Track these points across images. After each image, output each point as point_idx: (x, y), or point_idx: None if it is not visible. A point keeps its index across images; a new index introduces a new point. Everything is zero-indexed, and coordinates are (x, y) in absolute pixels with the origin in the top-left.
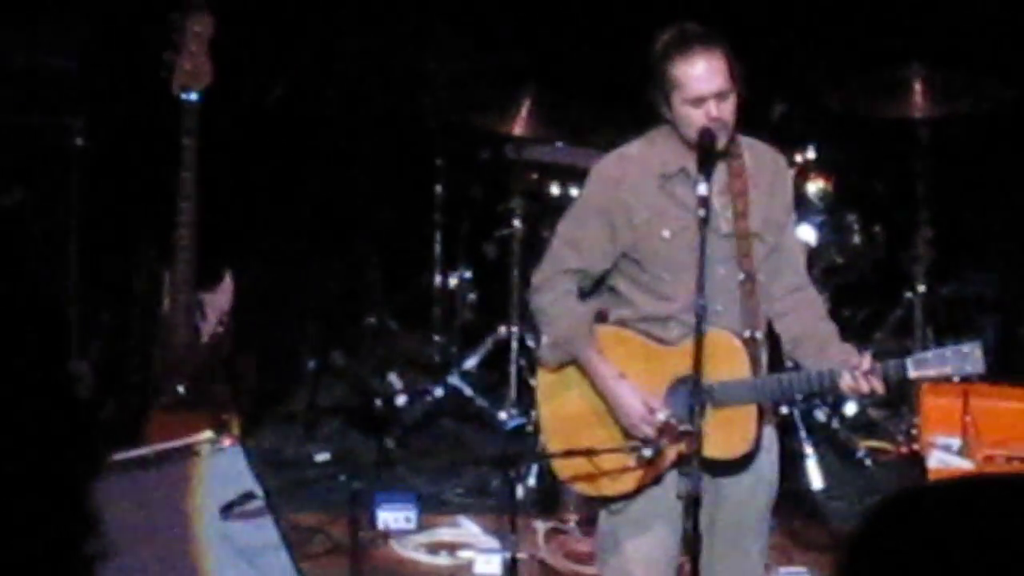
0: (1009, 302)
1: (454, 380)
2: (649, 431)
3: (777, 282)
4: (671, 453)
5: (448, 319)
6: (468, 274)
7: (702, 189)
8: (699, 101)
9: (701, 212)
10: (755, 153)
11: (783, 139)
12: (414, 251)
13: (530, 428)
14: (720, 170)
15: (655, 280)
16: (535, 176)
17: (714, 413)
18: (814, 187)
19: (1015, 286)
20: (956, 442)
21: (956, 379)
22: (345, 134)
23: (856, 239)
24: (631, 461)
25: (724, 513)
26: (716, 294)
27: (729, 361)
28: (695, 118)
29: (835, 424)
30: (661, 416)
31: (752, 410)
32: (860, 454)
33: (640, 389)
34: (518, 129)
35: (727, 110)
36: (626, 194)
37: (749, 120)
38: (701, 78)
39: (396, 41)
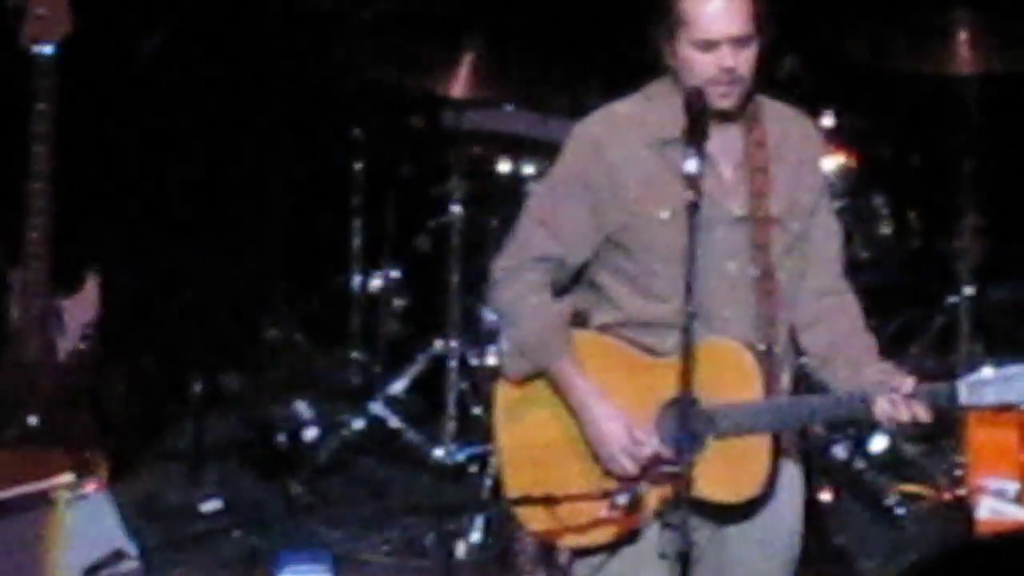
0: None
1: (377, 408)
2: (630, 467)
3: (803, 283)
4: (652, 500)
5: (370, 331)
6: (395, 274)
7: (691, 165)
8: (710, 45)
9: (689, 194)
10: (780, 118)
11: (794, 102)
12: (327, 246)
13: (473, 468)
14: (734, 137)
15: (647, 274)
16: (479, 150)
17: (716, 445)
18: (833, 163)
19: None
20: (1013, 486)
21: (1022, 408)
22: (238, 98)
23: (886, 228)
24: (603, 510)
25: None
26: (723, 295)
27: (737, 380)
28: (703, 66)
29: (859, 463)
30: (647, 450)
31: (765, 442)
32: (890, 501)
33: (625, 412)
34: (458, 90)
35: (745, 61)
36: (613, 161)
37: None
38: (717, 17)
39: None
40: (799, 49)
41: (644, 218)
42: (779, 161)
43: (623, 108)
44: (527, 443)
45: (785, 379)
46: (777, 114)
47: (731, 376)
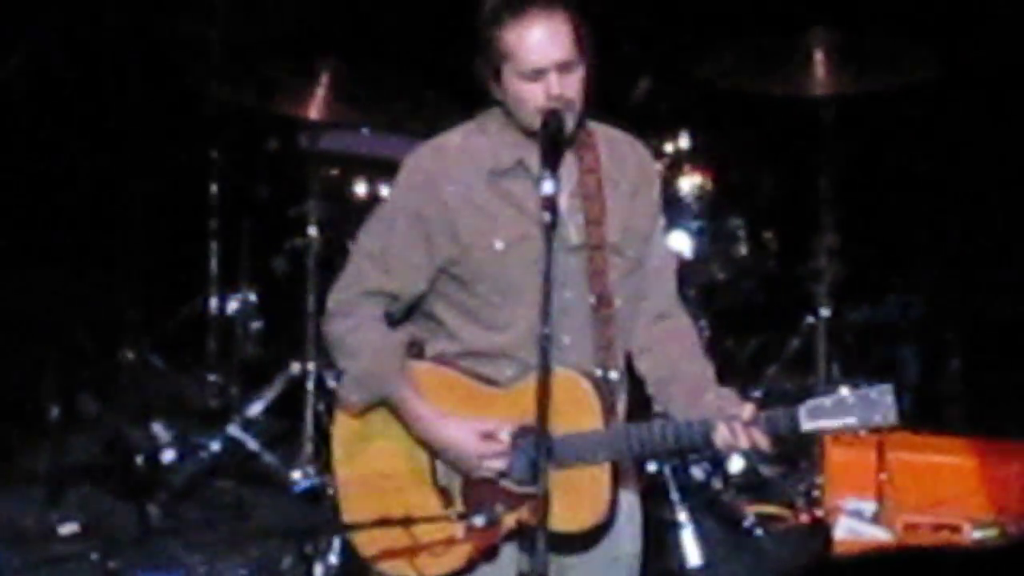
0: (934, 330)
1: (234, 431)
2: (498, 465)
3: (640, 308)
4: (508, 522)
5: (226, 353)
6: (251, 297)
7: (547, 187)
8: (536, 74)
9: (547, 216)
10: (612, 144)
11: (649, 123)
12: (182, 267)
13: (331, 491)
14: (568, 165)
15: (484, 305)
16: (335, 172)
17: (555, 475)
18: (689, 184)
19: (941, 310)
20: (870, 506)
21: (862, 432)
22: (94, 117)
23: (742, 249)
24: (458, 532)
25: None
26: (562, 323)
27: (575, 408)
28: (531, 96)
29: (717, 484)
30: (505, 436)
31: (604, 471)
32: (748, 522)
33: (467, 421)
34: (314, 112)
35: (572, 85)
36: (447, 194)
37: (604, 101)
38: (538, 45)
39: (158, 2)
40: (654, 70)
41: (479, 249)
42: (613, 187)
43: (455, 140)
44: (366, 474)
45: (621, 405)
46: (610, 140)
47: (570, 405)
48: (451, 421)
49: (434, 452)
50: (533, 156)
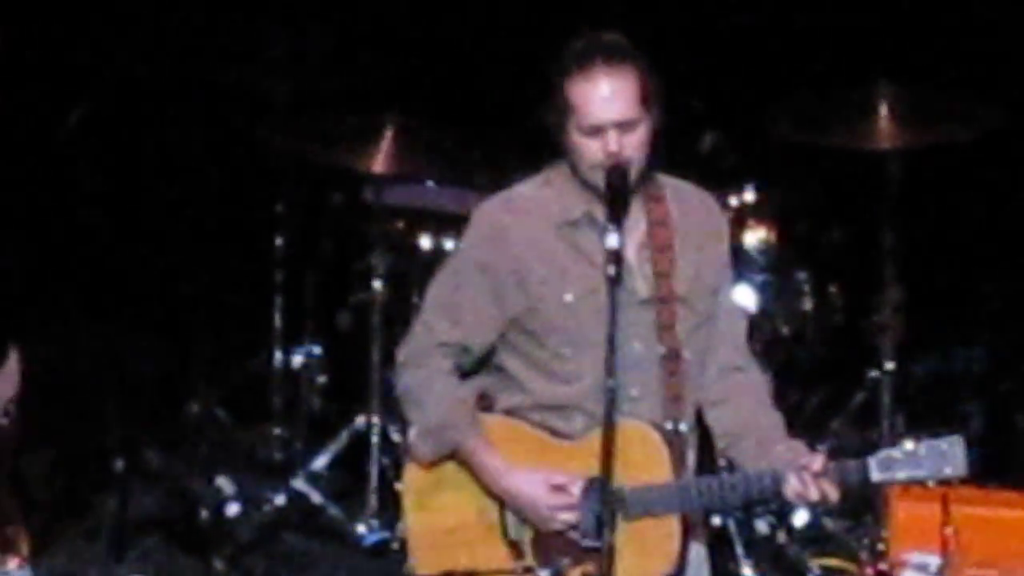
0: (999, 383)
1: (299, 484)
2: (569, 518)
3: (709, 361)
4: (575, 574)
5: (291, 407)
6: (316, 350)
7: (612, 240)
8: (596, 131)
9: (611, 269)
10: (681, 197)
11: (715, 177)
12: (248, 321)
13: (396, 544)
14: (638, 218)
15: (554, 357)
16: (400, 225)
17: (626, 527)
18: (754, 237)
19: (1006, 363)
20: (934, 561)
21: (931, 483)
22: (161, 172)
23: (807, 303)
24: None
25: None
26: (631, 375)
27: (645, 460)
28: (590, 152)
29: (781, 538)
30: (577, 489)
31: (674, 523)
32: (813, 575)
33: (538, 472)
34: (379, 165)
35: (631, 144)
36: (516, 247)
37: (672, 154)
38: (600, 102)
39: (224, 54)
40: (721, 124)
41: (549, 302)
42: (682, 240)
43: (523, 192)
44: (438, 526)
45: (691, 457)
46: (678, 192)
47: (640, 457)
48: (521, 472)
49: (504, 504)
50: (601, 208)
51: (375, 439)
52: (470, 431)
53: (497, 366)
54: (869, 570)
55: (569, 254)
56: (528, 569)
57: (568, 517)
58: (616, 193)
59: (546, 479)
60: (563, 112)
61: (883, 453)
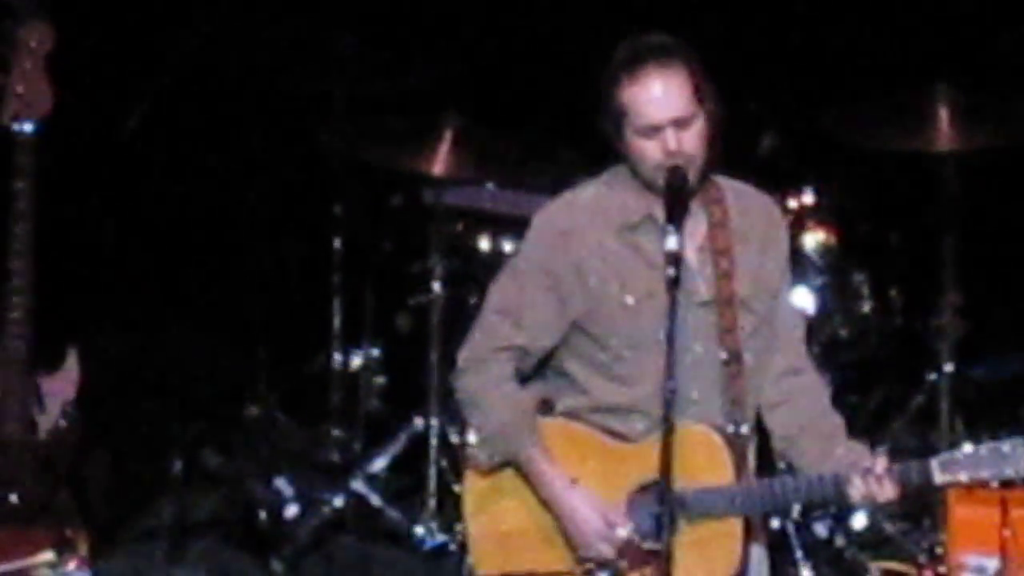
0: None
1: (358, 486)
2: (608, 551)
3: (769, 363)
4: None
5: (350, 409)
6: (375, 352)
7: (671, 243)
8: (653, 131)
9: (671, 271)
10: (741, 199)
11: (774, 179)
12: (307, 323)
13: (454, 547)
14: (698, 220)
15: (615, 359)
16: (460, 227)
17: (688, 529)
18: (813, 240)
19: None
20: (993, 563)
21: (994, 484)
22: (220, 174)
23: (866, 306)
24: None
25: None
26: (692, 378)
27: (707, 463)
28: (649, 152)
29: (840, 541)
30: (623, 532)
31: (736, 525)
32: None
33: (597, 497)
34: (438, 168)
35: (691, 141)
36: (578, 250)
37: (730, 156)
38: (654, 101)
39: (283, 57)
40: (779, 126)
41: (610, 304)
42: (742, 242)
43: (584, 195)
44: (497, 532)
45: (752, 460)
46: (738, 194)
47: (702, 460)
48: (578, 493)
49: None
50: (661, 210)
51: (433, 441)
52: (529, 439)
53: (557, 368)
54: (927, 573)
55: (630, 256)
56: (588, 572)
57: (607, 552)
58: (676, 194)
59: (601, 508)
60: (618, 117)
61: (945, 455)
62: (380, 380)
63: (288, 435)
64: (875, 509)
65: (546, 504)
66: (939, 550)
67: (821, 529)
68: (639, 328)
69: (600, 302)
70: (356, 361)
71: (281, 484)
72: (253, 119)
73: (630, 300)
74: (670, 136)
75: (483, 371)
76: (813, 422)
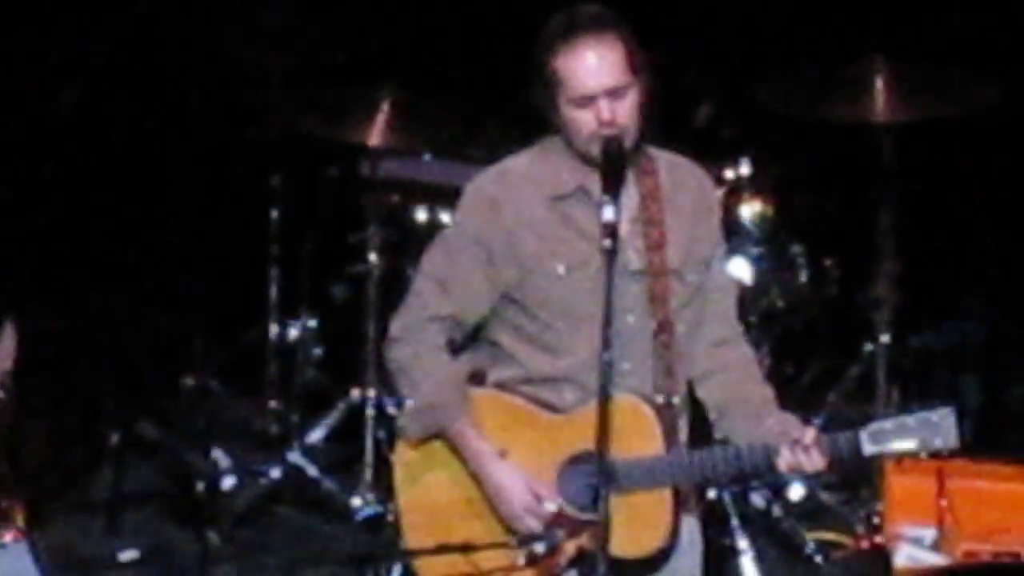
0: (995, 357)
1: (295, 457)
2: (535, 525)
3: (700, 334)
4: (569, 549)
5: (287, 380)
6: (312, 323)
7: (608, 213)
8: (586, 101)
9: (607, 242)
10: (673, 169)
11: (711, 150)
12: (244, 294)
13: (391, 517)
14: (628, 190)
15: (545, 330)
16: (396, 198)
17: (617, 500)
18: (750, 210)
19: (1002, 336)
20: (930, 533)
21: (924, 455)
22: (156, 146)
23: (803, 276)
24: (519, 559)
25: None
26: (623, 348)
27: (637, 434)
28: (583, 122)
29: (777, 512)
30: (551, 507)
31: (666, 496)
32: (808, 549)
33: (525, 470)
34: (375, 139)
35: (624, 111)
36: (509, 220)
37: (665, 127)
38: (587, 71)
39: (219, 28)
40: (716, 97)
41: (541, 274)
42: (674, 213)
43: (517, 165)
44: (427, 504)
45: (683, 431)
46: (671, 165)
47: (632, 431)
48: (506, 467)
49: None
50: (594, 181)
51: (370, 412)
52: (459, 412)
53: (488, 339)
54: (865, 543)
55: (561, 227)
56: (523, 542)
57: (534, 525)
58: (612, 165)
59: (528, 482)
60: (552, 87)
61: (874, 425)
62: (317, 351)
63: (225, 406)
64: (812, 480)
65: (474, 477)
66: (876, 520)
67: (758, 500)
68: (570, 299)
69: (530, 272)
70: (293, 332)
71: (218, 455)
72: (189, 91)
73: (561, 270)
74: (603, 106)
75: (414, 341)
76: (744, 393)
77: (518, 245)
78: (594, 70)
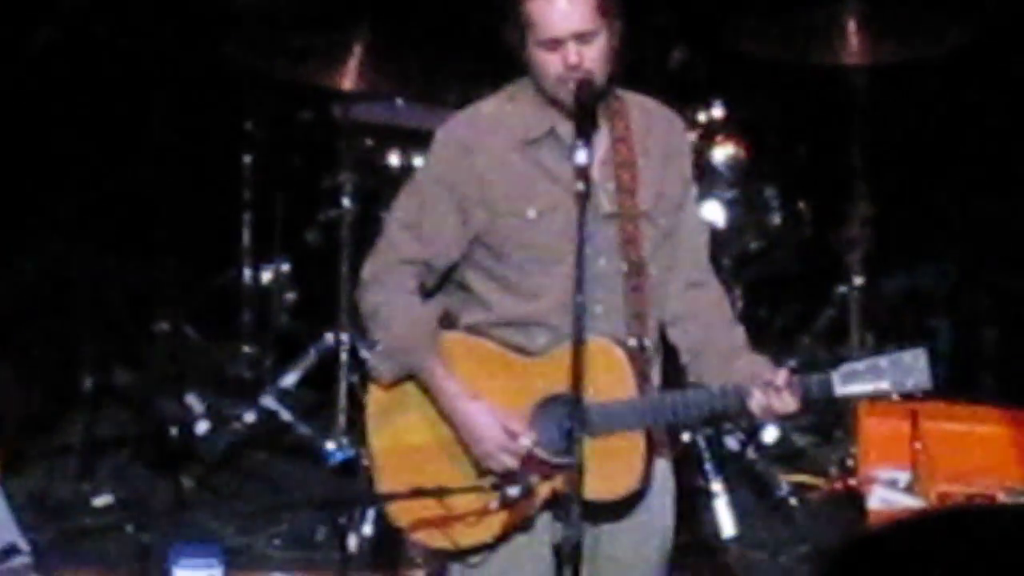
0: (967, 299)
1: (268, 402)
2: (510, 462)
3: (672, 277)
4: (543, 491)
5: (260, 325)
6: (285, 267)
7: (581, 157)
8: (555, 44)
9: (580, 186)
10: (644, 112)
11: (683, 93)
12: (216, 238)
13: (365, 462)
14: (601, 134)
15: (517, 273)
16: (370, 142)
17: (591, 443)
18: (723, 153)
19: (975, 278)
20: (904, 476)
21: (896, 396)
22: (128, 90)
23: (776, 219)
24: (492, 502)
25: (605, 572)
26: (594, 291)
27: (609, 377)
28: (551, 65)
29: (751, 454)
30: (525, 441)
31: (638, 439)
32: (782, 492)
33: (497, 408)
34: (348, 83)
35: (591, 55)
36: (479, 163)
37: (638, 70)
38: (557, 14)
39: None
40: (688, 40)
41: (511, 217)
42: (645, 155)
43: (487, 109)
44: (399, 446)
45: (656, 374)
46: (642, 108)
47: (604, 374)
48: (479, 405)
49: None
50: (564, 125)
51: (344, 357)
52: (430, 353)
53: (460, 283)
54: (838, 485)
55: (532, 170)
56: (496, 486)
57: (509, 462)
58: (584, 109)
59: (501, 419)
60: (522, 29)
61: (846, 367)
62: (290, 295)
63: (198, 351)
64: (785, 422)
65: (447, 417)
66: (850, 463)
67: (732, 442)
68: (541, 242)
69: (501, 216)
70: (266, 276)
71: (192, 400)
72: (161, 35)
73: (531, 214)
74: (571, 50)
75: (386, 285)
76: (716, 336)
77: (489, 189)
78: (563, 13)
